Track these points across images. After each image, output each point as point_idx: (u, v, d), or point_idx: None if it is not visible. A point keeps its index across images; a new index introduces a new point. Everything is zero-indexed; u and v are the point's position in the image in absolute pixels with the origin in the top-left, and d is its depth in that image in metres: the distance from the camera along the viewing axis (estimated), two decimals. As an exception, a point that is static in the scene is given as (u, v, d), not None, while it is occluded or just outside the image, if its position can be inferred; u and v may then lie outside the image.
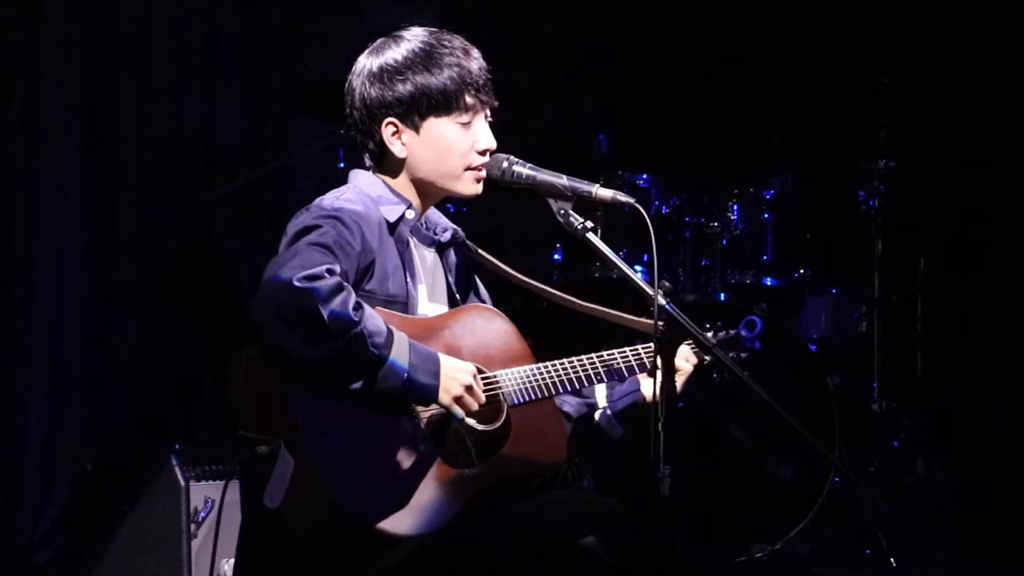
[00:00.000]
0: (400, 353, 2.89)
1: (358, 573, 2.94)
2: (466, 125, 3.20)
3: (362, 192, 3.18)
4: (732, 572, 5.53)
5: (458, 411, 2.99)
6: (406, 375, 2.90)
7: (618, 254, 3.15)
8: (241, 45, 6.09)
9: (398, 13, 3.51)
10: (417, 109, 3.17)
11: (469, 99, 3.19)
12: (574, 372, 3.21)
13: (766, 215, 6.26)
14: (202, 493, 4.64)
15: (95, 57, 5.55)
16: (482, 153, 3.22)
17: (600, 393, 3.38)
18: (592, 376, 3.23)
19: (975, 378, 6.66)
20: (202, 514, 4.61)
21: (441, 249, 3.31)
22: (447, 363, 2.99)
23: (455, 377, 2.99)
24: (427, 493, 2.94)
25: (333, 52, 5.93)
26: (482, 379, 3.08)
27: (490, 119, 3.26)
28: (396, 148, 3.20)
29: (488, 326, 3.21)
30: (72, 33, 5.48)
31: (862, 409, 6.17)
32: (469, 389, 3.00)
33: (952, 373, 6.62)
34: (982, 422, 6.61)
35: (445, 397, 2.97)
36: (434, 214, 3.33)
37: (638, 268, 5.89)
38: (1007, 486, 6.30)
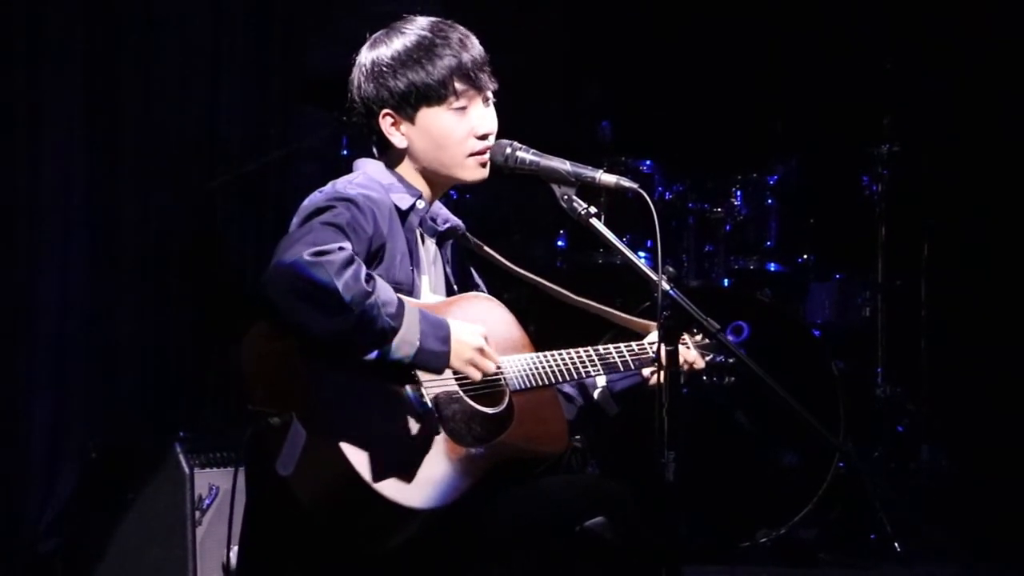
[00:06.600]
0: (412, 321, 2.90)
1: (364, 552, 2.93)
2: (461, 111, 3.18)
3: (372, 178, 3.18)
4: (737, 557, 5.53)
5: (475, 373, 2.99)
6: (419, 342, 2.90)
7: (622, 240, 3.15)
8: (244, 33, 6.09)
9: (401, 0, 3.50)
10: (408, 101, 3.16)
11: (460, 85, 3.16)
12: (573, 365, 3.23)
13: (770, 201, 6.26)
14: (206, 480, 4.64)
15: (99, 46, 5.55)
16: (482, 137, 3.20)
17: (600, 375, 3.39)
18: (591, 370, 3.26)
19: (979, 363, 6.67)
20: (207, 501, 4.62)
21: (441, 240, 3.31)
22: (457, 328, 2.99)
23: (466, 341, 2.99)
24: (438, 468, 2.94)
25: (336, 41, 5.96)
26: None
27: (495, 100, 3.24)
28: (396, 139, 3.20)
29: (488, 314, 3.21)
30: (76, 22, 5.47)
31: (866, 394, 6.18)
32: (480, 352, 3.01)
33: (956, 358, 6.62)
34: (986, 407, 6.62)
35: (457, 362, 2.98)
36: (436, 205, 3.32)
37: (642, 254, 5.89)
38: (1011, 471, 6.30)
